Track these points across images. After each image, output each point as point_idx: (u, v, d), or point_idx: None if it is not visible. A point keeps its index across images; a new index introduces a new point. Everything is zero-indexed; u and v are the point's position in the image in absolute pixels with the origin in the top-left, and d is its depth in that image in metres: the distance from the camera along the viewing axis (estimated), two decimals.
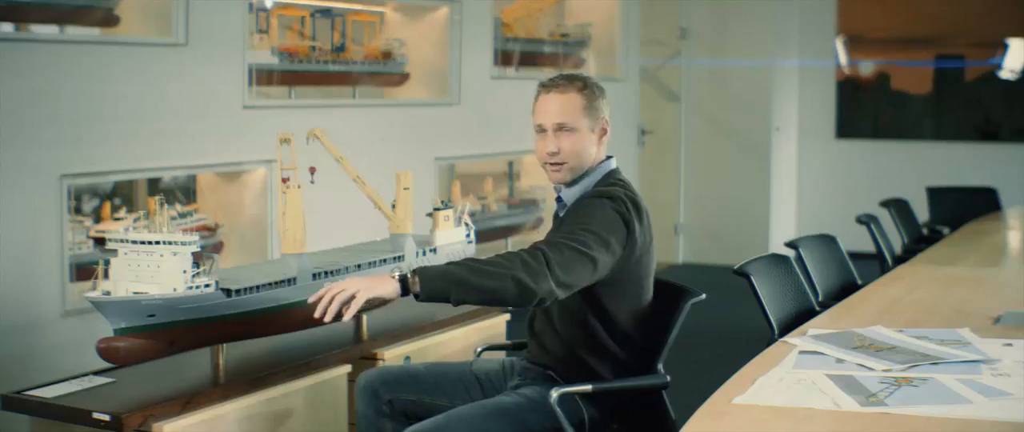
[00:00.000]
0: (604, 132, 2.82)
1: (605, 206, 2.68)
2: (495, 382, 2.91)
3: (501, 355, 3.15)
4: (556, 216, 2.90)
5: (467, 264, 2.50)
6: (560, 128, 2.75)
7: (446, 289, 2.46)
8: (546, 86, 2.80)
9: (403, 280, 2.49)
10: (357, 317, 3.47)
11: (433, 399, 2.86)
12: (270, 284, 3.06)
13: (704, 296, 2.91)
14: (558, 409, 2.62)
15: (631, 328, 2.80)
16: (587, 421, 2.72)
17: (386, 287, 2.49)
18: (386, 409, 2.85)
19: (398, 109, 5.65)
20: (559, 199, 2.86)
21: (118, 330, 2.80)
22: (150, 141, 4.24)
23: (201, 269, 2.90)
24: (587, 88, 2.78)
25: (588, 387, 2.68)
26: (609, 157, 2.87)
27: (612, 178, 2.81)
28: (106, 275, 2.86)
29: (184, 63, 4.35)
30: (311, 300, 2.58)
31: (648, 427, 2.84)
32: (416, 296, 2.48)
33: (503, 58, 6.50)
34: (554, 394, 2.62)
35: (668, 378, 2.78)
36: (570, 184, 2.82)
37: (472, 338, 3.70)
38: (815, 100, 9.05)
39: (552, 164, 2.77)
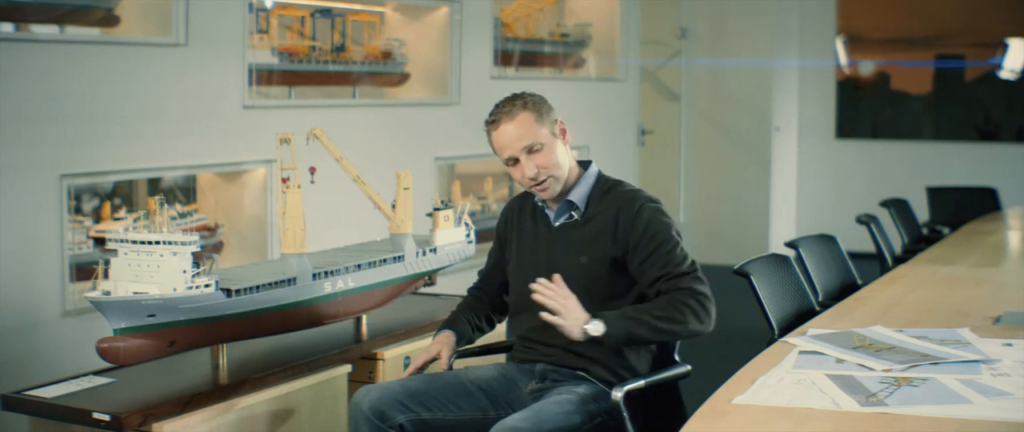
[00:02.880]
0: (564, 132, 2.86)
1: (656, 210, 2.78)
2: (498, 389, 2.86)
3: (481, 360, 3.10)
4: (551, 226, 2.88)
5: (648, 322, 2.67)
6: (529, 150, 2.78)
7: (623, 342, 2.73)
8: (493, 121, 2.81)
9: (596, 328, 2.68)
10: (357, 317, 3.48)
11: (446, 414, 2.78)
12: (270, 284, 3.06)
13: None
14: (623, 407, 2.64)
15: None
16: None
17: (576, 329, 2.68)
18: None
19: (398, 109, 5.65)
20: (568, 203, 2.85)
21: (118, 330, 2.80)
22: (150, 141, 4.24)
23: (201, 269, 2.90)
24: (531, 103, 2.82)
25: (642, 382, 2.74)
26: (586, 161, 2.93)
27: (607, 177, 2.90)
28: (106, 275, 2.86)
29: (184, 63, 4.35)
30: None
31: (665, 416, 2.87)
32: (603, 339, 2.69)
33: (503, 58, 6.50)
34: (618, 394, 2.64)
35: (689, 366, 2.89)
36: (562, 192, 2.86)
37: None
38: (815, 100, 9.05)
39: (538, 186, 2.81)
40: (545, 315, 2.68)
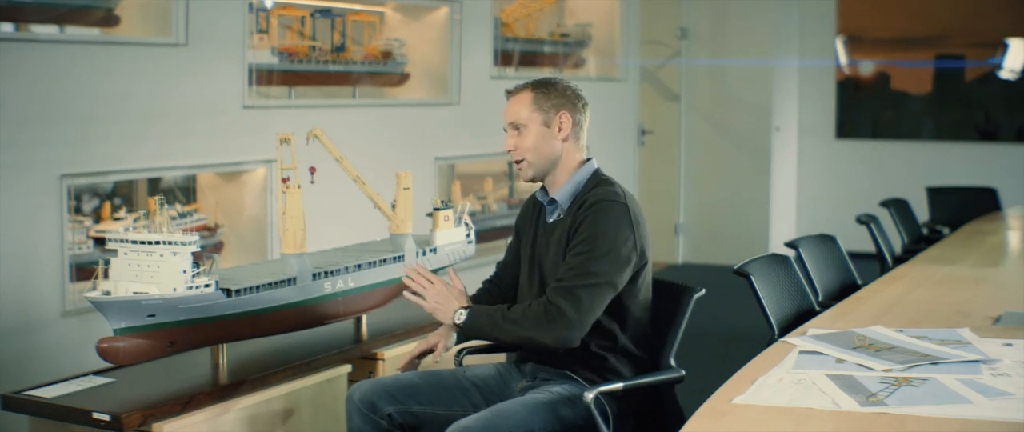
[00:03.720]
0: (561, 126, 2.85)
1: (611, 213, 2.72)
2: (494, 387, 2.89)
3: (484, 358, 3.13)
4: (546, 223, 2.89)
5: (496, 316, 2.76)
6: (513, 127, 2.87)
7: (477, 335, 2.85)
8: (508, 91, 2.93)
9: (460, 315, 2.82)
10: (357, 317, 3.48)
11: (435, 409, 2.81)
12: (270, 284, 3.06)
13: (704, 291, 2.97)
14: (594, 408, 2.64)
15: (644, 325, 2.85)
16: (611, 417, 2.74)
17: (446, 317, 2.85)
18: (384, 423, 2.79)
19: (398, 109, 5.65)
20: (553, 201, 2.87)
21: (118, 330, 2.80)
22: (150, 141, 4.24)
23: (201, 269, 2.90)
24: (542, 86, 2.87)
25: (619, 386, 2.73)
26: (589, 158, 2.91)
27: (600, 176, 2.87)
28: (106, 275, 2.86)
29: (184, 63, 4.35)
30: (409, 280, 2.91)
31: (661, 421, 2.86)
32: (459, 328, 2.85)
33: (503, 58, 6.50)
34: (589, 395, 2.63)
35: (683, 372, 2.86)
36: (546, 185, 2.89)
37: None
38: (815, 100, 9.05)
39: (515, 162, 2.89)
40: (407, 295, 2.88)
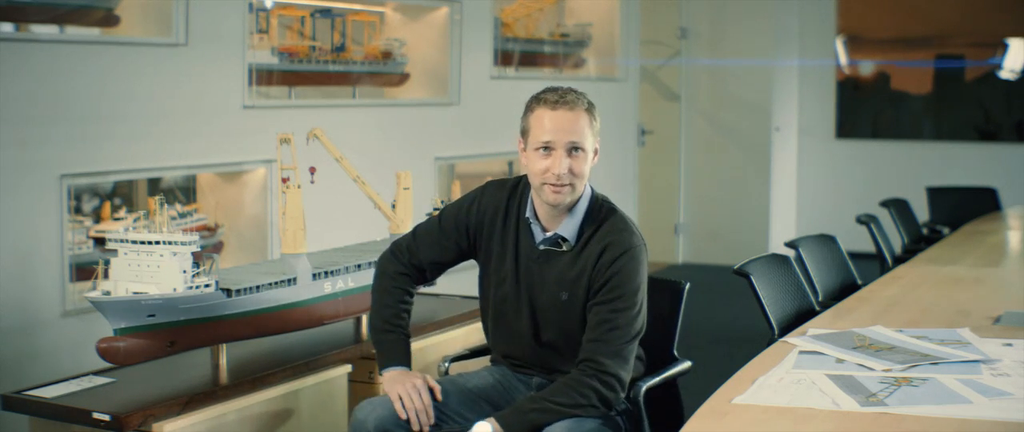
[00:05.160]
0: (596, 153, 2.71)
1: (640, 260, 2.63)
2: (496, 396, 2.81)
3: (470, 365, 3.04)
4: (535, 248, 2.70)
5: (553, 409, 2.53)
6: (573, 148, 2.60)
7: (540, 425, 2.53)
8: (554, 101, 2.61)
9: None
10: (357, 317, 3.48)
11: (451, 427, 2.71)
12: (270, 284, 3.06)
13: (689, 284, 3.01)
14: (642, 401, 2.64)
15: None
16: (625, 413, 2.73)
17: None
18: None
19: (398, 109, 5.65)
20: (556, 236, 2.67)
21: (118, 330, 2.80)
22: (150, 141, 4.24)
23: (201, 269, 2.90)
24: (592, 107, 2.68)
25: (659, 378, 2.79)
26: None
27: (599, 201, 2.73)
28: (106, 275, 2.86)
29: (184, 63, 4.35)
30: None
31: (664, 413, 2.89)
32: None
33: (503, 58, 6.50)
34: (642, 390, 2.68)
35: (690, 362, 2.95)
36: (559, 211, 2.67)
37: (473, 337, 3.70)
38: (815, 100, 9.05)
39: (557, 185, 2.60)
40: None
